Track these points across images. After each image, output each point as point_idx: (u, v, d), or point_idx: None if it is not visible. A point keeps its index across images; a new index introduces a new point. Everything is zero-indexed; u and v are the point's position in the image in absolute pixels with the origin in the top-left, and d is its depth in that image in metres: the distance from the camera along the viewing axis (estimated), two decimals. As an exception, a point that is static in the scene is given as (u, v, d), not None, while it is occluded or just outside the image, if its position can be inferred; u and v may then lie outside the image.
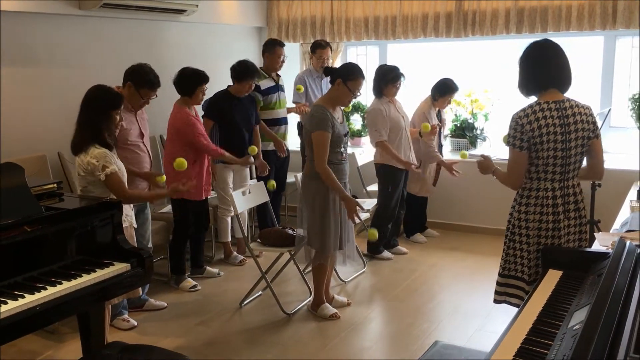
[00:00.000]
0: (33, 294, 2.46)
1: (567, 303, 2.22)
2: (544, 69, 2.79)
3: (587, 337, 1.63)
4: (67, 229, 2.78)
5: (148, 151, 4.18)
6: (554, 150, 2.74)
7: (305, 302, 4.35)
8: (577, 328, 1.82)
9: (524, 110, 2.77)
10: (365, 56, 6.92)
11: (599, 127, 2.95)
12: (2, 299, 2.38)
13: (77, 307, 2.69)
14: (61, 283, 2.58)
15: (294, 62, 6.88)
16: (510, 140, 2.80)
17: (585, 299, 2.13)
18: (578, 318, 1.94)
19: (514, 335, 2.01)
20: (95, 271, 2.72)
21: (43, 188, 3.01)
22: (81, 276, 2.66)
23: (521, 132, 2.74)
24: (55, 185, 3.11)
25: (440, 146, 5.66)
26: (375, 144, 5.15)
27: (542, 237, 2.83)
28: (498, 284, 3.02)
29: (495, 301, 3.05)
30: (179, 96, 4.59)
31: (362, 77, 3.97)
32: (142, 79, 4.00)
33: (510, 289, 2.96)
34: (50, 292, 2.51)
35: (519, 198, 2.90)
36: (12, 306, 2.36)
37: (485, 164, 3.05)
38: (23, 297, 2.43)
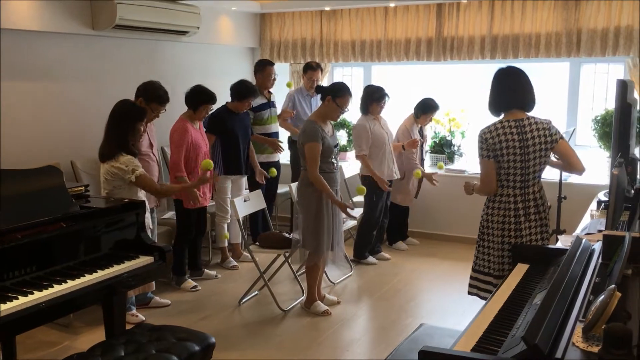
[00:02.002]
0: (74, 280, 2.83)
1: (532, 288, 2.64)
2: (506, 93, 3.24)
3: (546, 306, 2.03)
4: (98, 225, 3.14)
5: (157, 160, 4.55)
6: (514, 161, 3.20)
7: (299, 300, 4.73)
8: (539, 303, 2.24)
9: (487, 127, 3.25)
10: (351, 76, 7.33)
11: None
12: (46, 283, 2.74)
13: (110, 292, 3.05)
14: (96, 272, 2.94)
15: (284, 80, 7.30)
16: (478, 151, 3.28)
17: (546, 284, 2.55)
18: (540, 297, 2.37)
19: (488, 312, 2.40)
20: (124, 262, 3.10)
21: (73, 190, 3.38)
22: (112, 266, 3.03)
23: (486, 144, 3.22)
24: (83, 188, 3.49)
25: (422, 160, 6.10)
26: (355, 157, 5.60)
27: (505, 236, 3.28)
28: (471, 278, 3.47)
29: (469, 293, 3.49)
30: (179, 112, 4.95)
31: (350, 94, 4.38)
32: (152, 95, 4.39)
33: (481, 283, 3.40)
34: (87, 279, 2.87)
35: (488, 203, 3.36)
36: (57, 289, 2.73)
37: (468, 186, 3.52)
38: (66, 282, 2.79)
